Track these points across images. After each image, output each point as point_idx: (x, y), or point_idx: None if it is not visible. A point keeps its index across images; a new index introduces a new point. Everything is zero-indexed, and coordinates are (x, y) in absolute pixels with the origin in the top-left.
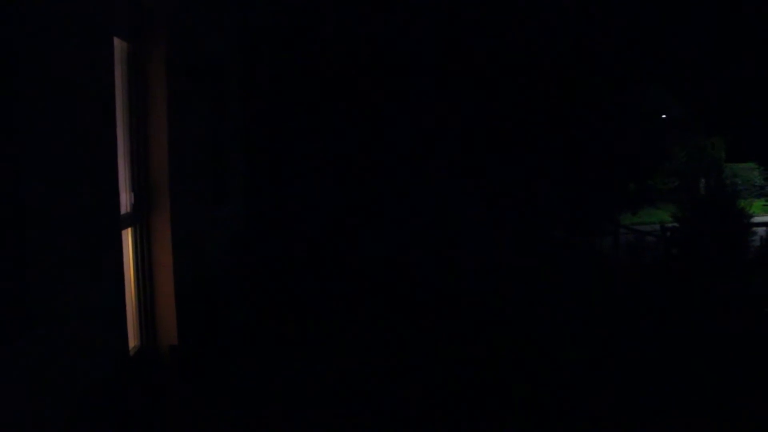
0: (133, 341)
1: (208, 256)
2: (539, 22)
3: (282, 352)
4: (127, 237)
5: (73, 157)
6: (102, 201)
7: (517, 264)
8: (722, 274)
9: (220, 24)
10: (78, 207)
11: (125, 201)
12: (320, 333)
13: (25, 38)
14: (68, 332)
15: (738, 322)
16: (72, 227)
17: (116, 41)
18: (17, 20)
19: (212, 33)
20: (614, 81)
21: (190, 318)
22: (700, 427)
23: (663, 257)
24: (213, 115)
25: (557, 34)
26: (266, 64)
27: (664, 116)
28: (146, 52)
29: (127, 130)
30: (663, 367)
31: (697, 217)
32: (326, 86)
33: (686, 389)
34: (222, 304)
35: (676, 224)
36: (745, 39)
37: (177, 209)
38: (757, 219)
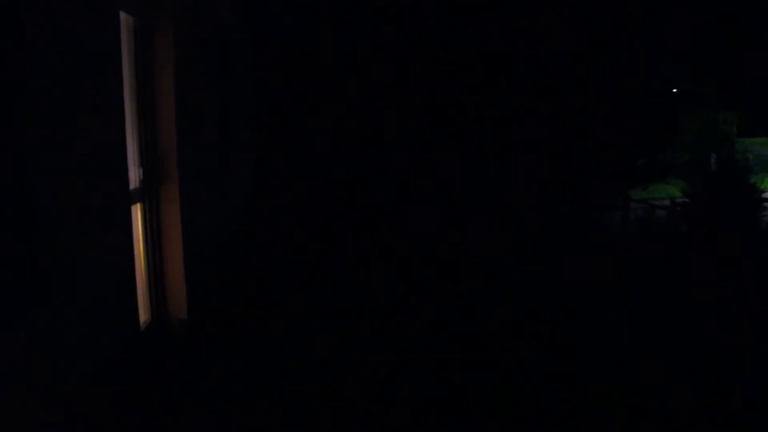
0: (143, 316)
1: (218, 231)
2: None
3: (292, 328)
4: (137, 212)
5: (81, 133)
6: (111, 176)
7: (523, 235)
8: (732, 249)
9: None
10: (87, 183)
11: (134, 176)
12: (331, 308)
13: (31, 12)
14: (80, 308)
15: (744, 297)
16: (82, 203)
17: (122, 15)
18: None
19: (220, 4)
20: (624, 53)
21: (199, 293)
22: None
23: (672, 232)
24: (221, 88)
25: (564, 3)
26: (275, 35)
27: (675, 90)
28: (153, 25)
29: (134, 105)
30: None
31: (707, 192)
32: (335, 58)
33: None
34: (232, 279)
35: (686, 199)
36: (759, 11)
37: (186, 184)
38: None
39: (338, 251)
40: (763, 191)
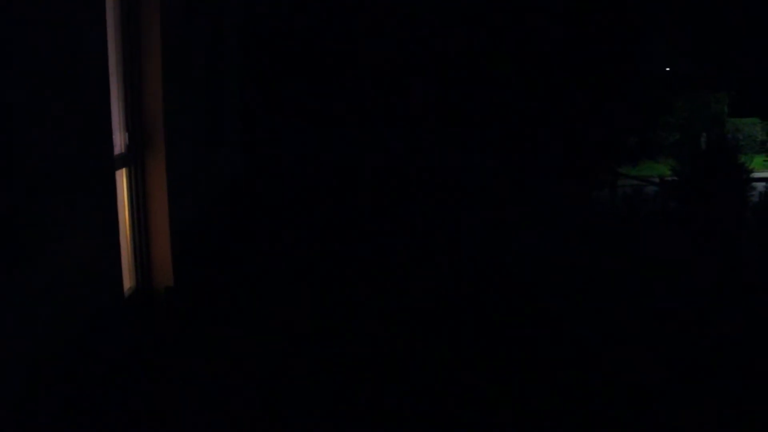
0: (128, 282)
1: (205, 199)
2: None
3: (279, 296)
4: (122, 178)
5: (64, 97)
6: (95, 141)
7: (514, 209)
8: (719, 227)
9: None
10: (71, 147)
11: (119, 141)
12: (318, 278)
13: None
14: (62, 272)
15: (729, 275)
16: (65, 167)
17: None
18: None
19: None
20: (619, 32)
21: (185, 260)
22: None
23: (661, 209)
24: (209, 57)
25: None
26: (266, 6)
27: (668, 69)
28: None
29: (120, 70)
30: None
31: (696, 170)
32: (327, 35)
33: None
34: (218, 247)
35: (675, 178)
36: None
37: (172, 150)
38: (756, 174)
39: (325, 220)
40: (752, 171)
